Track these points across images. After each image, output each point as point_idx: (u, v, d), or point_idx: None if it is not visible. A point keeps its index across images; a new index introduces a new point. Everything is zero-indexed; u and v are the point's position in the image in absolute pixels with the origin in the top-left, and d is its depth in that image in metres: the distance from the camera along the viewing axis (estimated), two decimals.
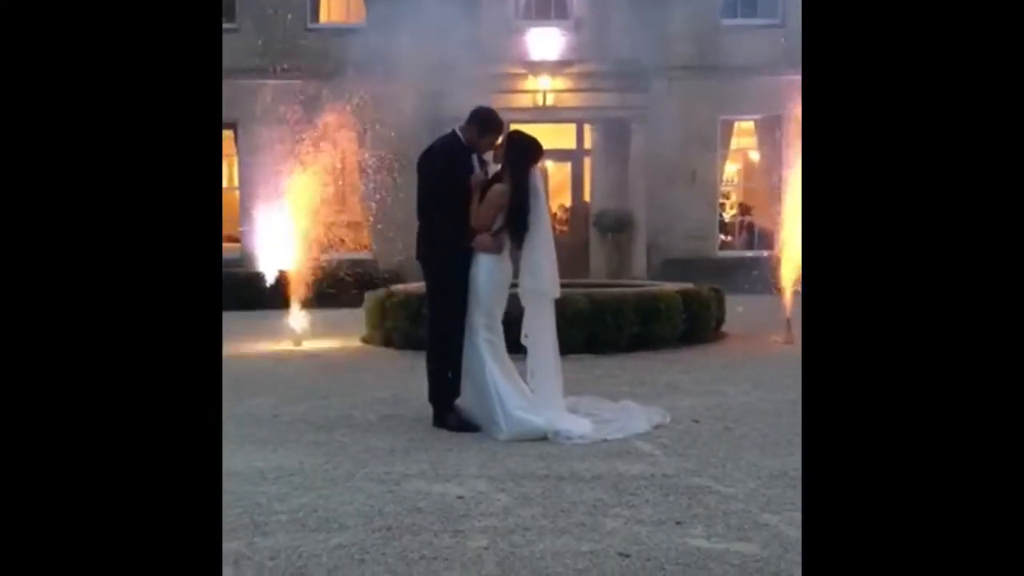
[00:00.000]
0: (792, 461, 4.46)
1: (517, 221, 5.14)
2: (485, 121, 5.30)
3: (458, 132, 5.33)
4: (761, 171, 17.46)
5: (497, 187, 5.19)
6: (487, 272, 5.18)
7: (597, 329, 8.38)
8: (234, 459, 4.59)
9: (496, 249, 5.20)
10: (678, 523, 3.56)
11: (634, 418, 5.32)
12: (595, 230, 16.90)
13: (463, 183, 5.20)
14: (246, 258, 16.50)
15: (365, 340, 9.79)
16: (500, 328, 5.25)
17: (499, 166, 5.29)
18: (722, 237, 18.19)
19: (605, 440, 4.92)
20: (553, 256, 5.29)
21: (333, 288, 13.97)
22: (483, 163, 5.36)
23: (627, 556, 3.20)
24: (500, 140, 5.29)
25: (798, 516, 3.60)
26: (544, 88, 16.50)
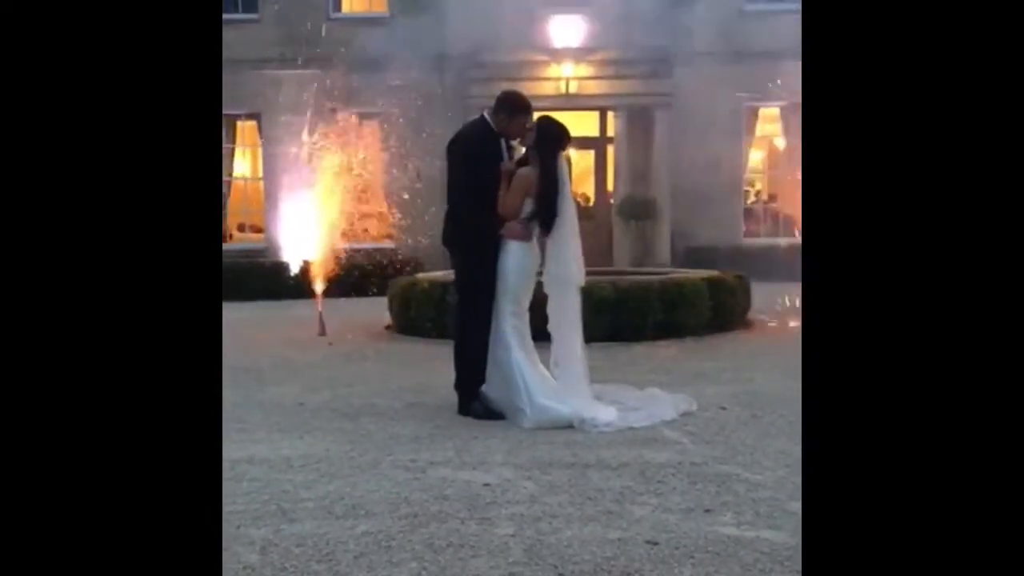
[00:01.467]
0: None
1: (546, 208, 5.12)
2: (515, 104, 5.27)
3: (487, 117, 5.31)
4: (786, 158, 17.30)
5: (523, 171, 5.17)
6: (516, 259, 5.15)
7: (622, 317, 8.33)
8: (260, 447, 4.62)
9: (526, 236, 5.17)
10: (707, 511, 3.53)
11: (661, 406, 5.29)
12: (619, 218, 16.82)
13: (492, 169, 5.18)
14: (271, 248, 16.59)
15: (389, 328, 9.79)
16: (527, 316, 5.23)
17: (524, 152, 5.27)
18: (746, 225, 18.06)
19: (631, 428, 4.89)
20: (579, 243, 5.27)
21: (357, 277, 14.03)
22: (511, 149, 5.34)
23: (655, 544, 3.17)
24: (530, 124, 5.26)
25: None
26: (567, 75, 16.41)
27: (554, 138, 5.22)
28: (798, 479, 3.92)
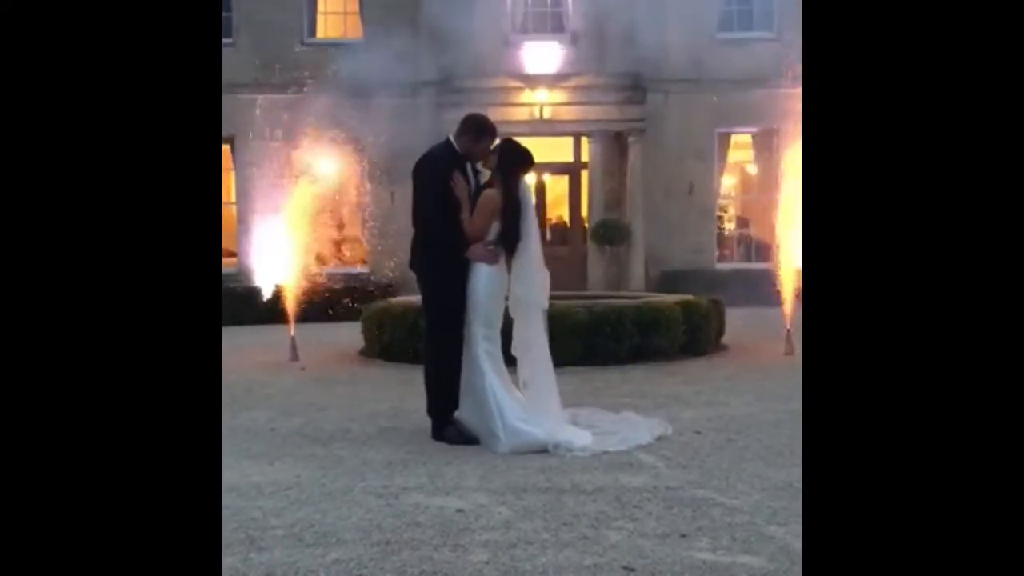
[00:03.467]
0: (796, 472, 4.39)
1: (509, 230, 5.11)
2: (479, 127, 5.28)
3: (452, 140, 5.30)
4: (758, 184, 17.48)
5: (488, 192, 5.17)
6: (486, 282, 5.13)
7: (596, 341, 8.32)
8: (230, 473, 4.51)
9: (493, 259, 5.15)
10: (683, 536, 3.49)
11: (636, 429, 5.26)
12: (593, 242, 16.86)
13: (457, 191, 5.17)
14: (243, 273, 16.46)
15: (362, 353, 9.72)
16: (499, 339, 5.20)
17: (488, 168, 5.28)
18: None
19: (606, 452, 4.85)
20: (543, 265, 5.26)
21: (330, 301, 13.94)
22: (476, 172, 5.34)
23: (631, 570, 3.13)
24: (494, 146, 5.27)
25: None
26: (541, 101, 16.50)
27: (516, 160, 5.23)
28: (774, 503, 3.91)
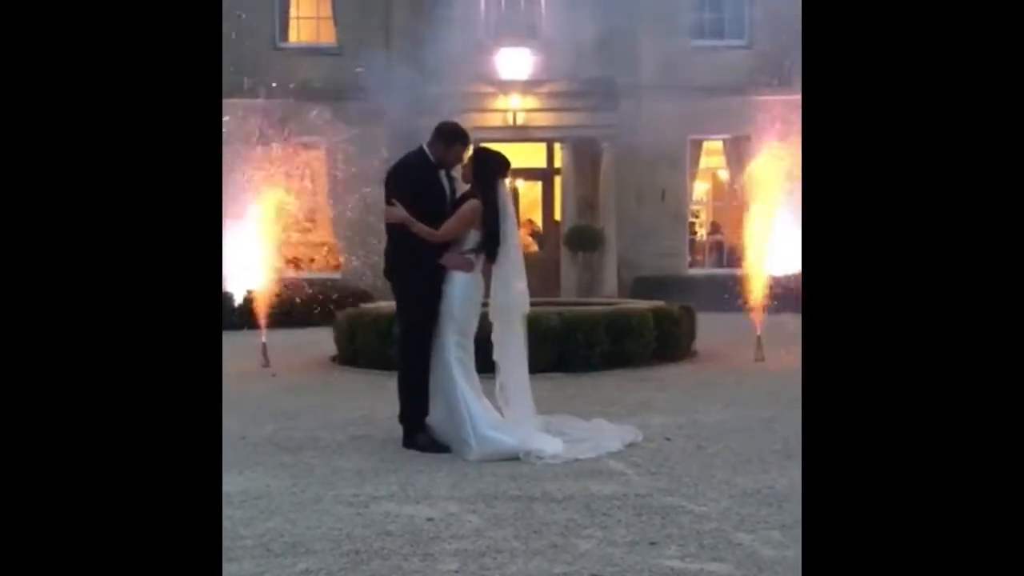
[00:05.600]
0: (765, 479, 4.45)
1: (490, 237, 5.12)
2: (451, 133, 5.31)
3: (425, 149, 5.31)
4: (729, 190, 17.61)
5: (470, 203, 5.16)
6: (461, 290, 5.13)
7: (568, 347, 8.34)
8: None
9: (468, 267, 5.16)
10: (652, 543, 3.52)
11: (606, 437, 5.29)
12: (566, 248, 16.92)
13: (431, 200, 5.18)
14: None
15: (334, 359, 9.68)
16: (472, 347, 5.20)
17: (467, 184, 5.28)
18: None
19: (577, 460, 4.87)
20: (523, 271, 5.27)
21: (302, 307, 13.86)
22: (451, 179, 5.34)
23: None
24: (467, 153, 5.29)
25: (773, 535, 3.59)
26: (514, 107, 16.55)
27: (493, 167, 5.25)
28: (743, 510, 3.94)
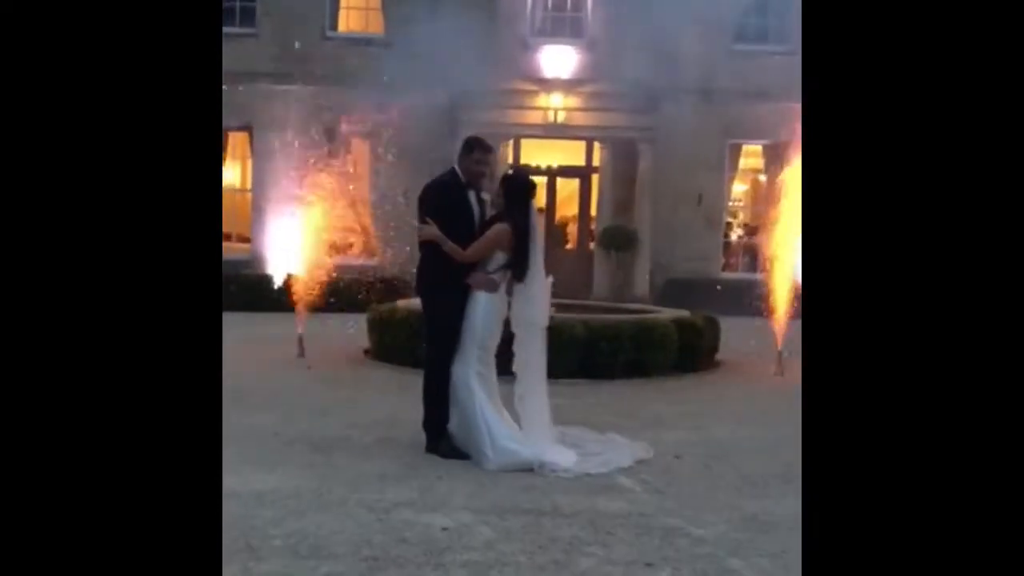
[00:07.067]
0: (767, 503, 4.65)
1: (520, 260, 5.38)
2: (470, 144, 5.57)
3: (456, 168, 5.57)
4: (767, 194, 17.59)
5: (498, 227, 5.41)
6: (484, 308, 5.40)
7: (592, 356, 8.56)
8: (235, 478, 4.79)
9: (493, 287, 5.42)
10: (648, 565, 3.75)
11: (618, 452, 5.53)
12: (599, 247, 17.10)
13: (460, 219, 5.43)
14: (255, 260, 16.76)
15: (367, 353, 9.98)
16: (493, 362, 5.47)
17: (497, 207, 5.53)
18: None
19: (588, 474, 5.12)
20: (546, 287, 5.53)
21: (340, 293, 14.19)
22: (481, 202, 5.59)
23: None
24: (488, 160, 5.53)
25: (763, 562, 3.81)
26: (556, 106, 16.72)
27: (523, 191, 5.51)
28: (739, 535, 4.17)
